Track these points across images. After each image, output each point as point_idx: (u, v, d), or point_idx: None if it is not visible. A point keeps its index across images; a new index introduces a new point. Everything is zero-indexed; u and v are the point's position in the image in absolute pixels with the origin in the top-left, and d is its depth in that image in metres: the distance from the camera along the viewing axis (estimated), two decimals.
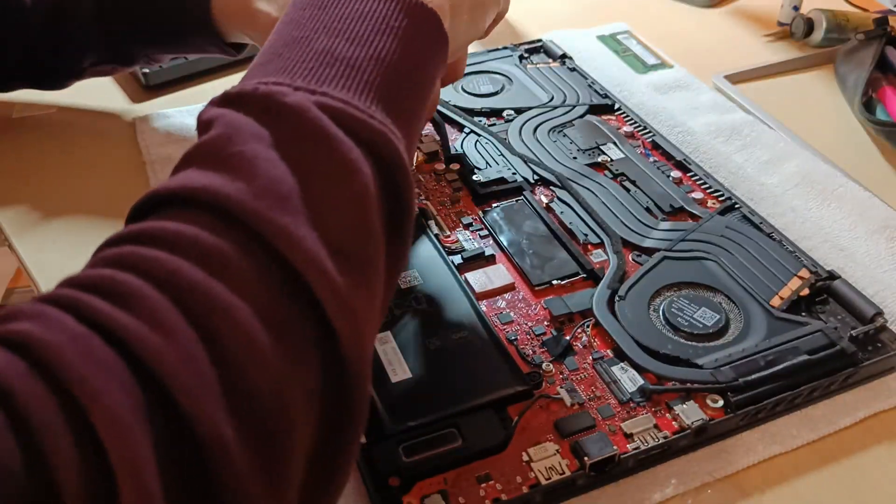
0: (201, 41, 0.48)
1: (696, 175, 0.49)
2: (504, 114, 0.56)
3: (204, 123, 0.26)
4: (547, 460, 0.33)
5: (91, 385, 0.18)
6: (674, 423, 0.34)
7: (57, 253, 0.46)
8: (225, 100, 0.26)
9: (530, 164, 0.50)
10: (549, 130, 0.54)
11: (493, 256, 0.43)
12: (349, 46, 0.27)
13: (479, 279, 0.41)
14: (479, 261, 0.43)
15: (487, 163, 0.51)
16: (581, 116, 0.55)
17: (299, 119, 0.25)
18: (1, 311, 0.20)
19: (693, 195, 0.48)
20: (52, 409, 0.17)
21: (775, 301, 0.40)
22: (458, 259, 0.43)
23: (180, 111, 0.58)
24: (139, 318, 0.19)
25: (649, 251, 0.44)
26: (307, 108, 0.25)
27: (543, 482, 0.32)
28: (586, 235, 0.45)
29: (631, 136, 0.54)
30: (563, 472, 0.32)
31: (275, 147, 0.24)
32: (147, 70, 0.62)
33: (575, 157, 0.51)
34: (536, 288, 0.41)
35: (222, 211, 0.22)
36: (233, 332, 0.20)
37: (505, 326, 0.39)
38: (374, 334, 0.24)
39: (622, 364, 0.37)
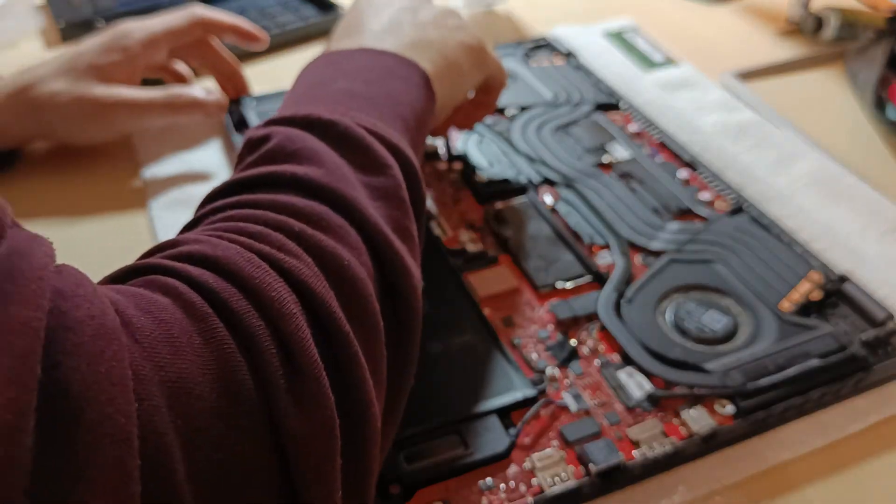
0: None
1: (704, 175, 0.49)
2: (508, 112, 0.55)
3: (257, 139, 0.31)
4: (551, 468, 0.32)
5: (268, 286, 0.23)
6: (681, 429, 0.34)
7: None
8: (271, 121, 0.31)
9: (534, 164, 0.50)
10: (554, 129, 0.53)
11: (496, 258, 0.43)
12: (365, 87, 0.34)
13: (481, 281, 0.41)
14: (482, 262, 0.42)
15: (491, 162, 0.50)
16: (586, 115, 0.55)
17: (337, 128, 0.30)
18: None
19: (701, 196, 0.47)
20: (252, 313, 0.22)
21: (785, 304, 0.39)
22: (460, 261, 0.42)
23: None
24: (273, 247, 0.25)
25: (656, 253, 0.43)
26: (343, 120, 0.30)
27: (548, 490, 0.31)
28: (592, 237, 0.44)
29: (637, 135, 0.53)
30: (568, 480, 0.32)
31: (327, 145, 0.30)
32: None
33: (580, 157, 0.51)
34: (541, 291, 0.41)
35: (304, 187, 0.27)
36: (338, 263, 0.26)
37: (508, 330, 0.38)
38: (417, 273, 0.30)
39: (629, 369, 0.36)
